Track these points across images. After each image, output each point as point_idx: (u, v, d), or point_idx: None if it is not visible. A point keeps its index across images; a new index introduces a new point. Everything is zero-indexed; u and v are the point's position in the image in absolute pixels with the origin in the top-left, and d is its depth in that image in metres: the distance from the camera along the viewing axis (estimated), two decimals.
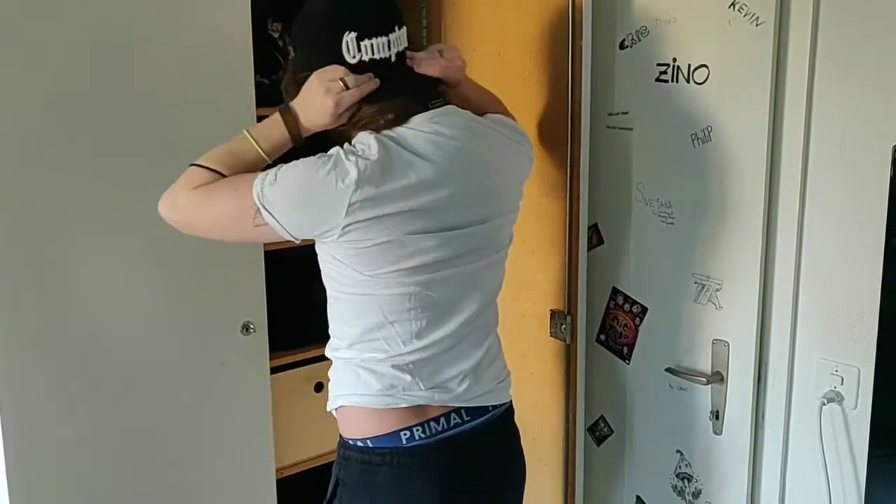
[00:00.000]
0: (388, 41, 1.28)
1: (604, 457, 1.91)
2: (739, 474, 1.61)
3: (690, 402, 1.67)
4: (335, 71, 1.28)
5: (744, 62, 1.48)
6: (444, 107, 1.33)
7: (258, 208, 1.23)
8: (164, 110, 1.68)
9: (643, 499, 1.82)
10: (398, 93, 1.29)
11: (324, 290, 1.38)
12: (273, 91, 1.98)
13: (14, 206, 1.53)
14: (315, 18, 1.32)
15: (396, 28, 1.29)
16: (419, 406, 1.33)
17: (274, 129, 1.32)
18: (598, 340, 1.86)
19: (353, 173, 1.20)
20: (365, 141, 1.25)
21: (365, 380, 1.33)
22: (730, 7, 1.48)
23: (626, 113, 1.72)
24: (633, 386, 1.80)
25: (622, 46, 1.70)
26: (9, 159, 1.51)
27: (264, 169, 1.27)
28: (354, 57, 1.27)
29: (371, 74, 1.28)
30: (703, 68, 1.54)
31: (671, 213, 1.65)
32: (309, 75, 1.29)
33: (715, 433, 1.64)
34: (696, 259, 1.62)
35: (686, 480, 1.71)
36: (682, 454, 1.71)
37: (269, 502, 1.98)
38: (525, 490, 1.54)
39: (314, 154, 1.25)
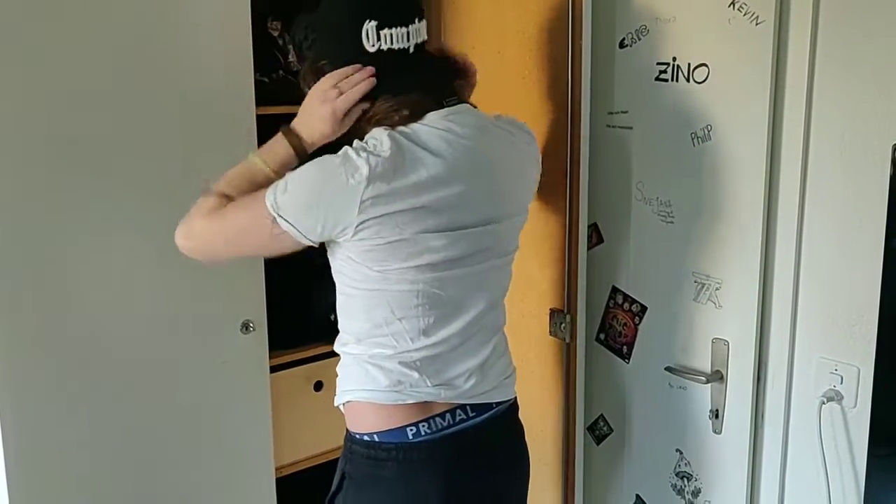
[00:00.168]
0: (408, 32, 1.29)
1: (603, 456, 1.91)
2: (739, 473, 1.61)
3: (690, 401, 1.67)
4: (329, 79, 1.29)
5: (744, 61, 1.48)
6: (459, 105, 1.34)
7: (274, 218, 1.23)
8: (163, 109, 1.68)
9: (643, 498, 1.82)
10: (414, 86, 1.30)
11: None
12: (273, 90, 1.98)
13: (14, 206, 1.53)
14: (337, 6, 1.33)
15: (417, 20, 1.30)
16: (425, 402, 1.35)
17: (278, 147, 1.33)
18: (597, 339, 1.86)
19: (364, 170, 1.21)
20: (378, 137, 1.26)
21: (373, 376, 1.34)
22: (730, 6, 1.48)
23: (625, 112, 1.72)
24: (632, 385, 1.80)
25: (622, 45, 1.70)
26: (9, 159, 1.51)
27: None
28: (374, 46, 1.28)
29: (371, 70, 1.29)
30: (703, 67, 1.54)
31: (671, 213, 1.65)
32: (327, 64, 1.30)
33: (714, 432, 1.64)
34: (695, 258, 1.62)
35: (686, 479, 1.72)
36: (681, 453, 1.71)
37: (268, 501, 1.98)
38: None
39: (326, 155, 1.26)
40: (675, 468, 1.73)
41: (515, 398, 1.50)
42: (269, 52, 2.04)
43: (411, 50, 1.30)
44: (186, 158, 1.70)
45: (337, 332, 1.42)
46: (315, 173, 1.24)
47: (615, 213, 1.77)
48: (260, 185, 1.30)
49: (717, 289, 1.59)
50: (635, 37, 1.66)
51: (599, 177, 1.78)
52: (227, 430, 1.87)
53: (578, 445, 1.87)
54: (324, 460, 2.13)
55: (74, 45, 1.56)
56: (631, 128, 1.71)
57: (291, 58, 2.05)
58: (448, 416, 1.36)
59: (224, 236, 1.31)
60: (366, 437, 1.36)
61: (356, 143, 1.26)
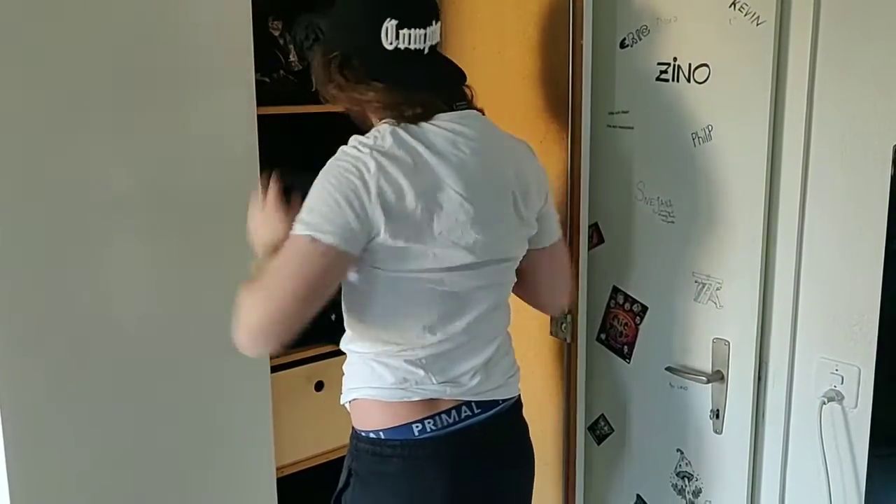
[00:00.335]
0: (425, 34, 1.29)
1: (604, 455, 1.91)
2: (740, 473, 1.61)
3: (691, 401, 1.67)
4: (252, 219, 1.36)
5: (744, 61, 1.48)
6: (468, 110, 1.35)
7: (310, 238, 1.21)
8: (163, 108, 1.67)
9: (643, 497, 1.82)
10: (425, 86, 1.31)
11: None
12: (273, 90, 1.98)
13: (14, 206, 1.53)
14: (358, 2, 1.34)
15: (434, 22, 1.31)
16: (431, 399, 1.35)
17: (266, 247, 1.32)
18: (598, 339, 1.86)
19: (373, 164, 1.23)
20: (381, 131, 1.27)
21: (379, 373, 1.35)
22: (730, 6, 1.48)
23: (626, 112, 1.72)
24: (633, 385, 1.80)
25: (623, 45, 1.70)
26: (9, 159, 1.51)
27: None
28: (392, 43, 1.28)
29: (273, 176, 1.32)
30: (704, 67, 1.54)
31: (671, 212, 1.65)
32: (339, 56, 1.30)
33: (715, 432, 1.64)
34: (696, 258, 1.62)
35: (686, 479, 1.72)
36: (682, 453, 1.72)
37: (269, 501, 1.97)
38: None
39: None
40: (676, 468, 1.73)
41: (519, 396, 1.50)
42: (269, 51, 2.03)
43: (426, 51, 1.31)
44: (187, 158, 1.70)
45: (339, 331, 1.42)
46: (327, 184, 1.24)
47: (616, 213, 1.77)
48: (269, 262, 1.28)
49: (717, 289, 1.59)
50: (636, 37, 1.66)
51: (600, 177, 1.78)
52: (228, 430, 1.87)
53: (579, 445, 1.87)
54: (325, 460, 2.13)
55: (74, 45, 1.55)
56: (632, 128, 1.71)
57: (292, 57, 2.05)
58: (454, 412, 1.36)
59: (278, 298, 1.23)
60: (372, 435, 1.36)
61: (357, 139, 1.27)
